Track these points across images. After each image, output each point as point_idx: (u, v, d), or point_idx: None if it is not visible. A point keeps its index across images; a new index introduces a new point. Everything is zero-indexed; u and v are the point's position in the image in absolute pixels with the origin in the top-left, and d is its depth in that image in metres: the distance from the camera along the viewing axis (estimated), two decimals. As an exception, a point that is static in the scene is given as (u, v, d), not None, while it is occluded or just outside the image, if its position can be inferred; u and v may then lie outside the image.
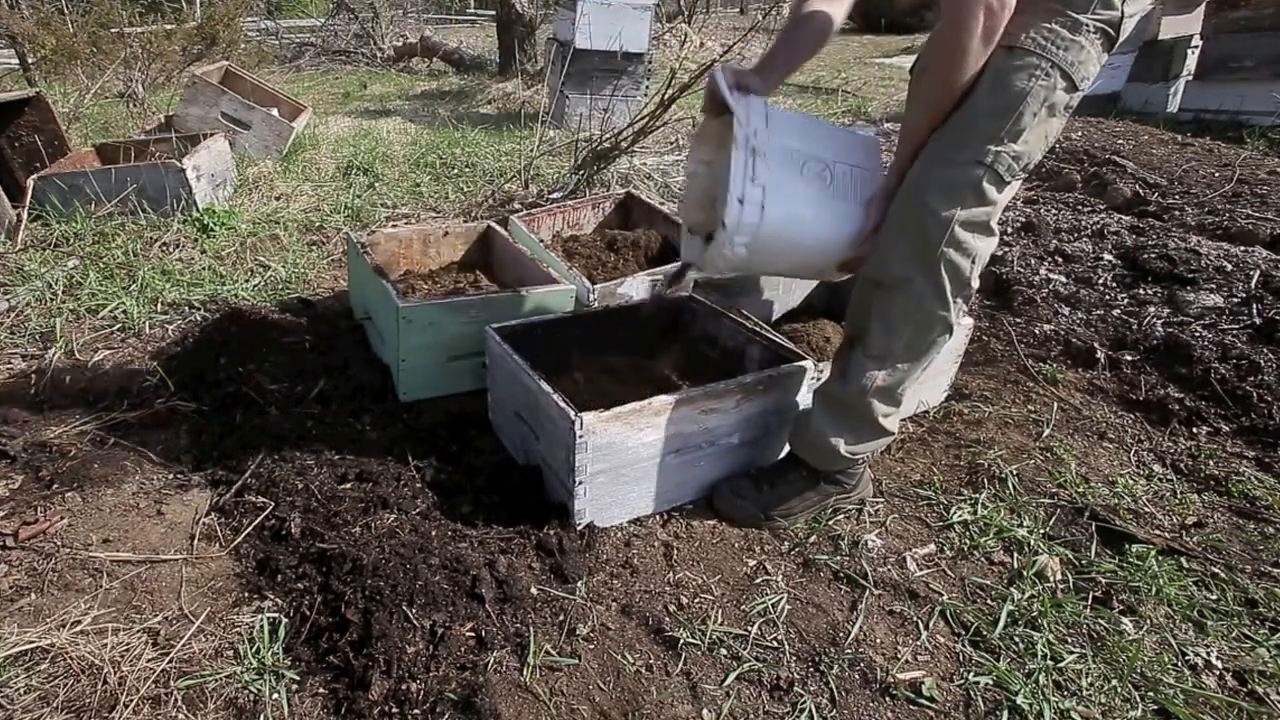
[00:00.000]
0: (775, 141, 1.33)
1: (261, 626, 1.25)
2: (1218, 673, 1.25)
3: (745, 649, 1.26)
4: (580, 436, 1.36)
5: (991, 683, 1.21)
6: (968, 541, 1.51)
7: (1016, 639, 1.29)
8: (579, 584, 1.36)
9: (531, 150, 3.75)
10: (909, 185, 1.35)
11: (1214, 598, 1.39)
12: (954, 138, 1.30)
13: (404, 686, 1.13)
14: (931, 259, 1.32)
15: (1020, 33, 1.24)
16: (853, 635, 1.29)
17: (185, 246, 2.75)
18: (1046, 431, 1.84)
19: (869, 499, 1.62)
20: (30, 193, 2.81)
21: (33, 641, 1.20)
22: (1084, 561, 1.47)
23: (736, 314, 1.82)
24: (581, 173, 3.30)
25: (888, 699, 1.19)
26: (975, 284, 1.42)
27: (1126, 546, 1.50)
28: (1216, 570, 1.45)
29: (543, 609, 1.30)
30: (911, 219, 1.33)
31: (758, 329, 1.75)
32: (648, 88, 4.74)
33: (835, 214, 1.37)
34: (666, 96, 3.13)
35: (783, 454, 1.64)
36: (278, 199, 3.33)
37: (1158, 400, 1.95)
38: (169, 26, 6.15)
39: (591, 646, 1.26)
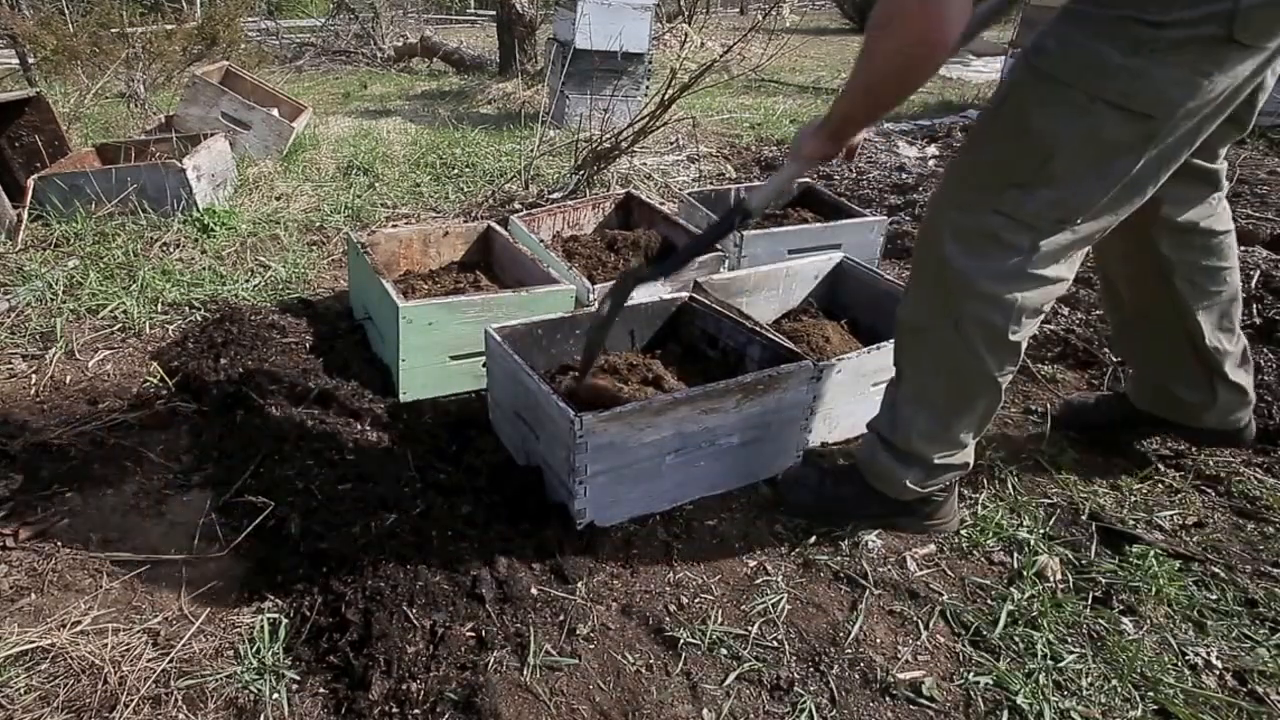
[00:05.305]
0: None
1: (261, 626, 1.25)
2: (1218, 673, 1.25)
3: (745, 649, 1.26)
4: (580, 436, 1.36)
5: (991, 683, 1.21)
6: (968, 541, 1.51)
7: (1016, 639, 1.29)
8: (579, 584, 1.36)
9: (531, 150, 3.75)
10: (926, 226, 1.25)
11: (1214, 598, 1.39)
12: (968, 178, 1.18)
13: (404, 686, 1.13)
14: (954, 311, 1.20)
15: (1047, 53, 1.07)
16: (853, 635, 1.29)
17: (185, 246, 2.75)
18: (1047, 431, 1.84)
19: (950, 531, 1.49)
20: (30, 193, 2.81)
21: (33, 641, 1.20)
22: (1084, 561, 1.47)
23: (736, 314, 1.82)
24: (581, 173, 3.30)
25: (888, 699, 1.19)
26: (1022, 338, 1.23)
27: (1126, 546, 1.50)
28: (1216, 570, 1.45)
29: (543, 609, 1.30)
30: (930, 265, 1.22)
31: (758, 329, 1.75)
32: (648, 88, 4.74)
33: None
34: (666, 96, 3.13)
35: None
36: (278, 199, 3.33)
37: (1158, 400, 1.94)
38: (169, 26, 6.14)
39: (591, 646, 1.26)
